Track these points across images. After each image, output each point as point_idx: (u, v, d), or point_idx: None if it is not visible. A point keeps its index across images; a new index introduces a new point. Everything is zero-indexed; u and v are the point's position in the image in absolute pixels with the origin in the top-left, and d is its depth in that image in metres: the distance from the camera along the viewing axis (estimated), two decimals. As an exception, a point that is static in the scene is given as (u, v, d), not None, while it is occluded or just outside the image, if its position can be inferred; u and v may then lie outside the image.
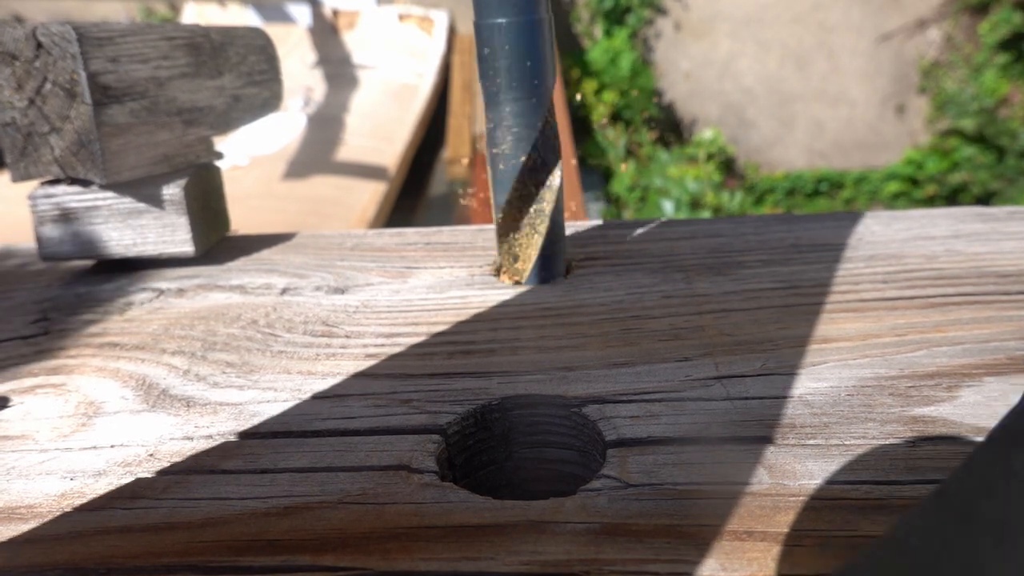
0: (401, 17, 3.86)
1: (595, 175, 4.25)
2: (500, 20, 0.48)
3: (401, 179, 2.91)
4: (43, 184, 0.58)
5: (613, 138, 4.36)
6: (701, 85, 4.85)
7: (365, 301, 0.52)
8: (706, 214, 3.74)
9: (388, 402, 0.39)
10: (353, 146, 2.99)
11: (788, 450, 0.33)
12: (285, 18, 3.80)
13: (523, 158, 0.50)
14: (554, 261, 0.53)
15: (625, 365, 0.41)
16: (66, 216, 0.58)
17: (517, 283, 0.53)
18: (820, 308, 0.46)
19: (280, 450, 0.36)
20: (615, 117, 4.55)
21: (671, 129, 4.76)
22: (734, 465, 0.32)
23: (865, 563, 0.16)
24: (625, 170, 4.02)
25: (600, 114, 4.51)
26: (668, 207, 3.78)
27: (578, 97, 4.50)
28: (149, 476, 0.34)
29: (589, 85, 4.52)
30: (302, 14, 3.79)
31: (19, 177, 0.56)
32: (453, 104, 3.49)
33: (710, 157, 4.36)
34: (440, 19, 3.82)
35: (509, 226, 0.52)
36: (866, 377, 0.38)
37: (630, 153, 4.28)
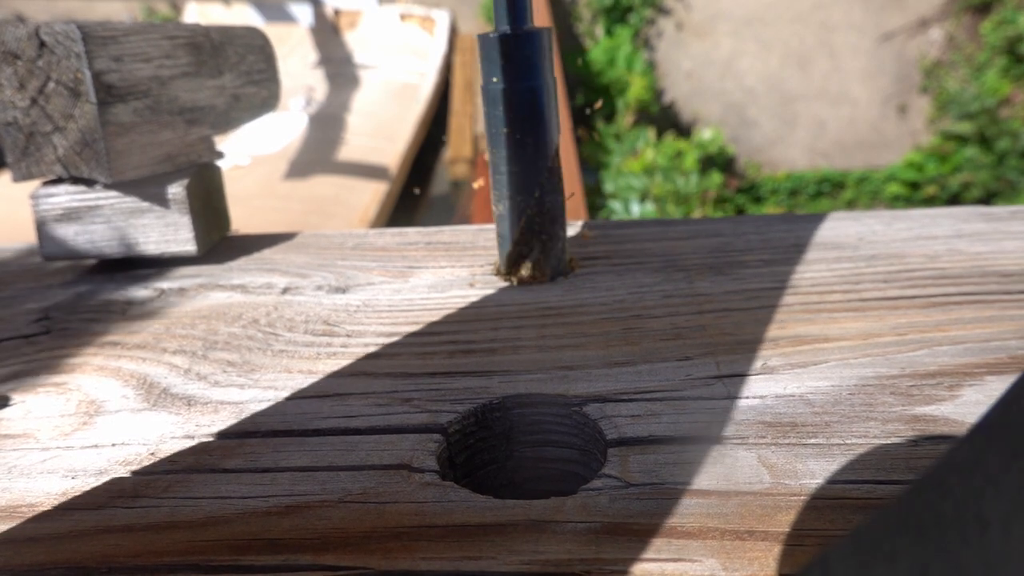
0: (403, 16, 3.86)
1: (595, 175, 4.25)
2: (502, 85, 0.48)
3: (403, 178, 2.91)
4: (45, 183, 0.58)
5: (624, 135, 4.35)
6: (703, 84, 4.85)
7: (366, 300, 0.52)
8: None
9: (389, 401, 0.39)
10: (355, 145, 3.00)
11: (789, 449, 0.33)
12: (287, 17, 3.80)
13: (521, 212, 0.51)
14: (555, 261, 0.53)
15: (626, 364, 0.41)
16: (68, 215, 0.58)
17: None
18: (821, 307, 0.46)
19: (281, 449, 0.36)
20: (612, 115, 4.55)
21: (673, 128, 4.76)
22: (735, 464, 0.32)
23: (901, 508, 0.15)
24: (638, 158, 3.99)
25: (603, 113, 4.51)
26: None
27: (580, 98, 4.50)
28: (150, 475, 0.34)
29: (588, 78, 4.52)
30: (304, 13, 3.79)
31: (21, 177, 0.56)
32: (455, 103, 3.50)
33: (702, 152, 4.33)
34: (441, 18, 3.83)
35: (511, 262, 0.52)
36: (867, 376, 0.38)
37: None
